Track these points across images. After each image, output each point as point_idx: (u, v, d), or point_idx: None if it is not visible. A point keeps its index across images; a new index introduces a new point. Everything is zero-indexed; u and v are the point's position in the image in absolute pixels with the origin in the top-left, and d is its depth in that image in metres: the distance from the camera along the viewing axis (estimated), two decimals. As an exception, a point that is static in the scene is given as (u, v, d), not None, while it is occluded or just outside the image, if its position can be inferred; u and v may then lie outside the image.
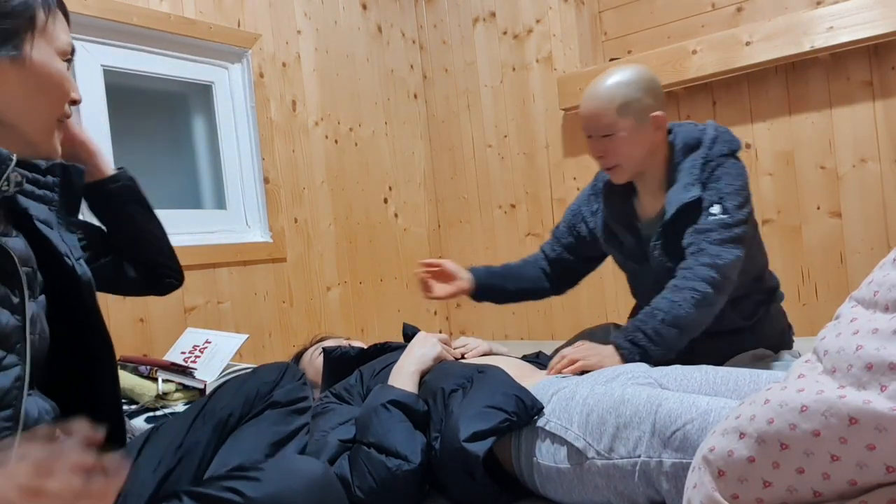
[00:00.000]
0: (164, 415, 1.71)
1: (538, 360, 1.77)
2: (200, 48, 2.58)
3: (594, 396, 1.28)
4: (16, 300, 0.92)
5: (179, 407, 1.78)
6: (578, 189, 3.01)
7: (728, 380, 1.36)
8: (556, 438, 1.28)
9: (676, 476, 1.10)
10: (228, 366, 2.03)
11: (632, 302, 2.05)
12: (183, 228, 2.47)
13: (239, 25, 2.67)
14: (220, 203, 2.68)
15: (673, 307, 1.57)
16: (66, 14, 1.03)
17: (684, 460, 1.09)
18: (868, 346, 0.78)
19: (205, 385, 1.86)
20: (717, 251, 1.61)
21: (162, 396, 1.79)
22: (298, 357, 1.97)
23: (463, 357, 1.72)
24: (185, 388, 1.85)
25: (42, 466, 0.70)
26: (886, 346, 0.76)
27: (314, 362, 1.87)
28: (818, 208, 2.54)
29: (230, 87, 2.70)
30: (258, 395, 1.20)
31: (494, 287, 1.96)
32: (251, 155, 2.72)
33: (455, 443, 1.27)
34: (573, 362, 1.54)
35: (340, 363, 1.74)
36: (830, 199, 2.52)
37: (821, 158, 2.52)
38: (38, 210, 1.03)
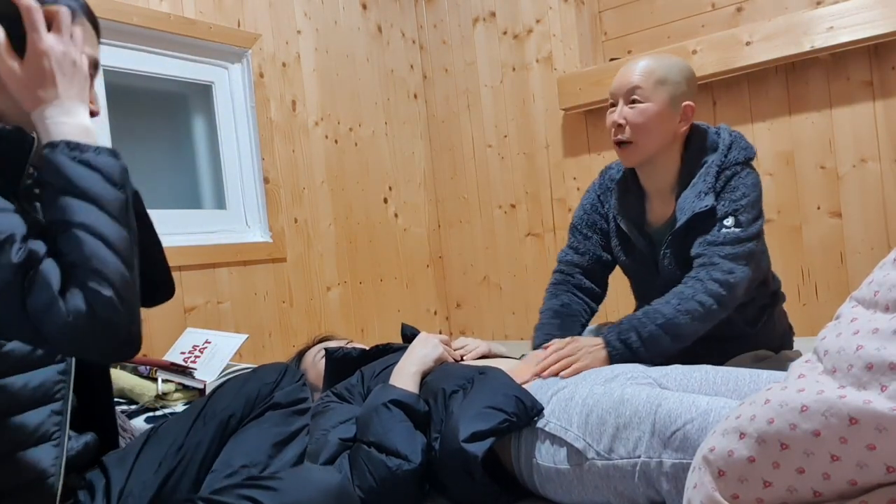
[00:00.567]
0: (164, 415, 1.71)
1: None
2: (200, 48, 2.58)
3: (593, 397, 1.28)
4: None
5: (179, 407, 1.78)
6: (579, 189, 3.01)
7: (728, 380, 1.36)
8: (556, 439, 1.28)
9: (676, 476, 1.10)
10: (228, 366, 2.03)
11: (632, 303, 2.05)
12: (183, 228, 2.47)
13: (239, 25, 2.67)
14: (220, 203, 2.68)
15: (676, 315, 1.55)
16: (96, 28, 1.02)
17: (684, 460, 1.09)
18: (868, 346, 0.78)
19: (204, 385, 1.86)
20: (729, 267, 1.58)
21: (161, 396, 1.79)
22: (300, 356, 1.97)
23: (462, 358, 1.72)
24: (185, 388, 1.85)
25: None
26: (887, 346, 0.76)
27: (317, 364, 1.87)
28: (818, 208, 2.54)
29: (230, 87, 2.70)
30: (259, 395, 1.20)
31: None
32: (251, 155, 2.72)
33: (454, 443, 1.27)
34: (565, 365, 1.50)
35: (342, 364, 1.75)
36: (830, 199, 2.51)
37: (821, 158, 2.52)
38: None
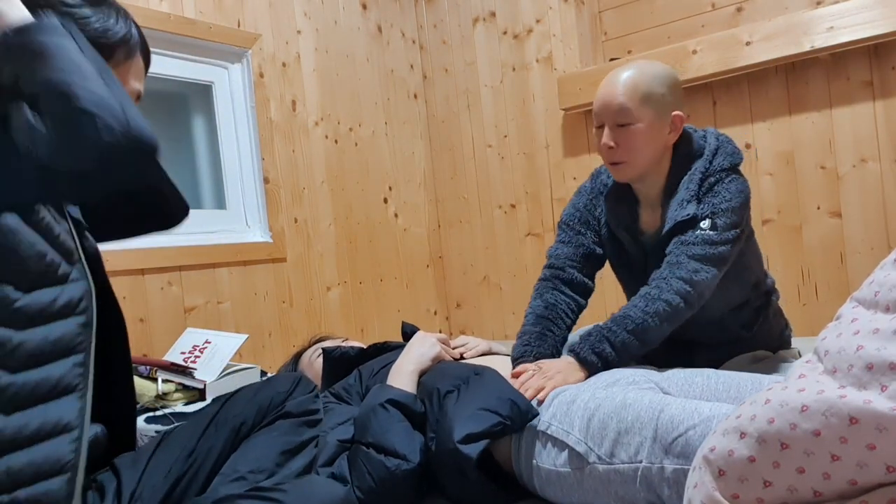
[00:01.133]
0: (164, 415, 1.71)
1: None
2: (200, 48, 2.58)
3: (595, 401, 1.28)
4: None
5: (179, 407, 1.78)
6: (578, 189, 3.01)
7: (731, 386, 1.36)
8: (557, 442, 1.27)
9: (678, 482, 1.09)
10: (228, 366, 2.03)
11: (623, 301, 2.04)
12: (183, 228, 2.43)
13: (239, 25, 2.67)
14: (220, 203, 2.68)
15: (645, 318, 1.52)
16: (147, 63, 1.09)
17: (686, 467, 1.08)
18: (869, 346, 0.78)
19: (204, 385, 1.86)
20: (695, 266, 1.54)
21: (162, 396, 1.79)
22: (297, 358, 1.97)
23: (462, 357, 1.72)
24: (185, 388, 1.85)
25: None
26: (887, 346, 0.76)
27: (313, 364, 1.87)
28: (818, 208, 2.54)
29: (230, 87, 2.70)
30: (271, 404, 1.21)
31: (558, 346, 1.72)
32: (251, 155, 2.72)
33: (449, 443, 1.27)
34: (539, 390, 1.42)
35: (340, 363, 1.75)
36: (830, 199, 2.52)
37: (821, 158, 2.52)
38: None
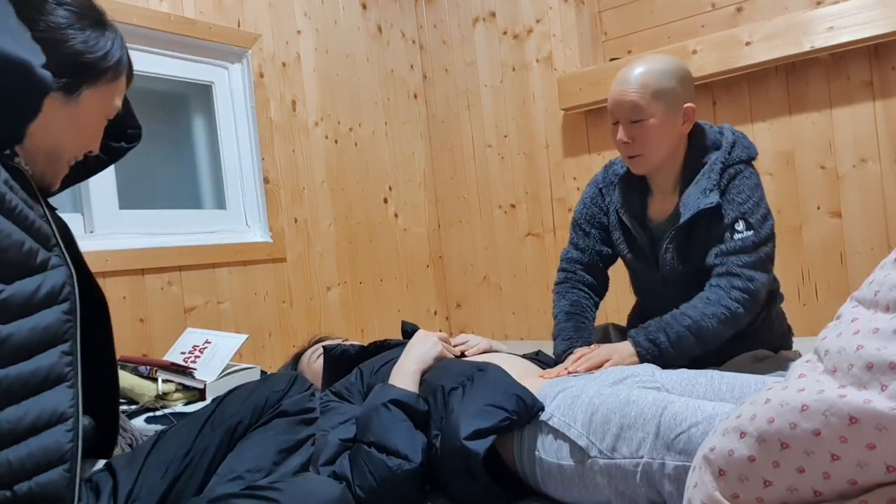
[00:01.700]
0: (164, 415, 1.71)
1: (538, 359, 1.77)
2: (200, 48, 2.58)
3: (600, 397, 1.28)
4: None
5: (179, 407, 1.78)
6: (579, 189, 3.01)
7: (734, 386, 1.36)
8: (559, 435, 1.28)
9: (679, 479, 1.09)
10: (228, 366, 2.03)
11: (631, 301, 2.05)
12: (183, 228, 2.47)
13: (239, 25, 2.67)
14: (220, 203, 2.68)
15: (702, 318, 1.59)
16: (129, 82, 1.12)
17: (687, 463, 1.08)
18: (869, 345, 0.78)
19: (204, 385, 1.86)
20: (749, 274, 1.62)
21: (162, 396, 1.79)
22: (297, 359, 1.97)
23: (463, 354, 1.72)
24: (185, 388, 1.85)
25: None
26: (887, 345, 0.76)
27: (313, 364, 1.86)
28: (818, 208, 2.54)
29: (230, 87, 2.70)
30: (267, 403, 1.20)
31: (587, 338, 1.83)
32: (251, 155, 2.72)
33: (456, 441, 1.27)
34: (603, 362, 1.55)
35: (340, 361, 1.74)
36: (830, 199, 2.52)
37: (821, 158, 2.52)
38: None
